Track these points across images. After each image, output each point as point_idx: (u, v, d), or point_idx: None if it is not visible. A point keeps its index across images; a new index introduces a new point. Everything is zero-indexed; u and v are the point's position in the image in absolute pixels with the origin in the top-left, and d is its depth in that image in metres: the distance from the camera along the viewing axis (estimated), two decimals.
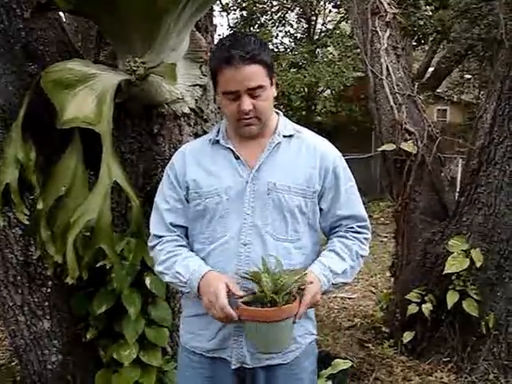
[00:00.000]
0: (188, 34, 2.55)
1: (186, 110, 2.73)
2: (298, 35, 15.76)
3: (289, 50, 15.14)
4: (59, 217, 2.32)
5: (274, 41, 15.14)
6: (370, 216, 7.11)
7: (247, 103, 1.70)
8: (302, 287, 1.65)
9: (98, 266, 2.39)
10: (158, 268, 1.84)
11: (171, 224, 1.85)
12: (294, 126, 1.90)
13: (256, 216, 1.76)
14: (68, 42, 2.81)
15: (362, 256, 1.88)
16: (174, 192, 1.85)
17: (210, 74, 1.85)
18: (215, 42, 2.71)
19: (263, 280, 1.59)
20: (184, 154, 1.88)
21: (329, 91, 14.52)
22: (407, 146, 4.11)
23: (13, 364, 3.21)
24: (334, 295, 5.92)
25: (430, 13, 11.21)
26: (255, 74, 1.69)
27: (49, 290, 2.72)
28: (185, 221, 1.86)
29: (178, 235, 1.86)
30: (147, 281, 2.65)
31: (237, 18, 15.30)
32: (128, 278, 2.63)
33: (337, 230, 1.89)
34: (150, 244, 1.90)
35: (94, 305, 2.67)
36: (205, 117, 2.81)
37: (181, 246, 1.84)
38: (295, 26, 15.77)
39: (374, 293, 5.66)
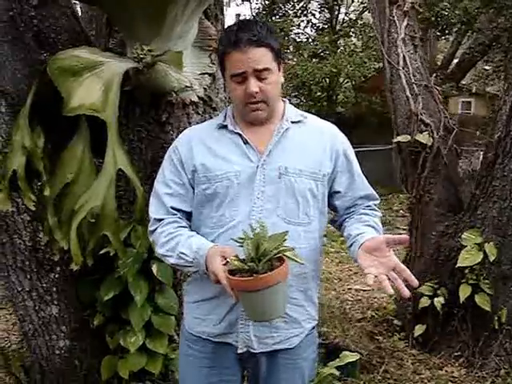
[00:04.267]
0: (196, 22, 2.54)
1: (195, 99, 2.72)
2: (320, 25, 15.65)
3: (310, 40, 15.04)
4: (66, 203, 2.34)
5: (296, 30, 15.06)
6: (389, 208, 7.08)
7: (254, 85, 1.70)
8: (283, 253, 1.58)
9: (101, 252, 2.40)
10: (159, 251, 1.82)
11: (172, 208, 1.83)
12: (300, 112, 1.91)
13: (266, 200, 1.76)
14: (80, 30, 2.81)
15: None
16: (176, 176, 1.84)
17: (218, 60, 1.85)
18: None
19: (245, 248, 1.56)
20: (189, 138, 1.87)
21: (349, 82, 14.41)
22: (422, 138, 4.05)
23: (23, 349, 3.25)
24: (348, 287, 5.90)
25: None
26: (262, 56, 1.71)
27: (57, 276, 2.75)
28: (186, 206, 1.84)
29: (178, 217, 1.84)
30: (154, 268, 2.66)
31: (258, 7, 15.23)
32: (135, 265, 2.64)
33: (353, 209, 1.91)
34: (150, 228, 1.88)
35: (101, 291, 2.69)
36: (213, 105, 2.80)
37: (181, 226, 1.82)
38: (317, 15, 15.66)
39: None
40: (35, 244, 2.66)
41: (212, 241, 1.77)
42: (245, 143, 1.80)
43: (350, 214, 1.91)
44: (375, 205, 1.94)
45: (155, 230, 1.84)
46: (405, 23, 4.43)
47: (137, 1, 2.27)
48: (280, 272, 1.54)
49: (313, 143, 1.84)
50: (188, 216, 1.87)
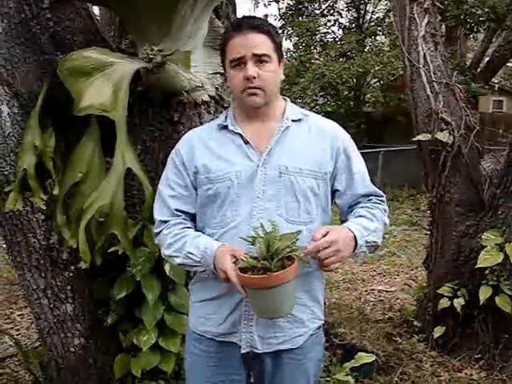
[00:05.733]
0: (206, 22, 2.55)
1: (206, 98, 2.73)
2: (347, 24, 15.55)
3: (337, 40, 14.95)
4: (75, 202, 2.37)
5: (323, 30, 14.99)
6: (417, 208, 6.99)
7: (252, 69, 1.72)
8: (293, 253, 1.60)
9: (109, 251, 2.42)
10: (166, 252, 1.83)
11: (176, 210, 1.85)
12: (302, 111, 1.91)
13: (267, 199, 1.76)
14: (96, 32, 2.85)
15: (385, 224, 1.87)
16: (179, 178, 1.85)
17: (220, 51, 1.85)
18: None
19: (257, 246, 1.59)
20: (190, 140, 1.88)
21: (377, 81, 14.28)
22: (443, 136, 3.98)
23: (40, 347, 3.30)
24: (371, 287, 5.85)
25: None
26: (262, 42, 1.74)
27: (71, 274, 2.78)
28: (190, 207, 1.85)
29: (183, 218, 1.86)
30: (167, 267, 2.67)
31: (285, 7, 15.20)
32: (147, 264, 2.66)
33: (354, 207, 1.89)
34: (155, 230, 1.90)
35: (114, 290, 2.72)
36: (225, 105, 2.80)
37: (187, 227, 1.84)
38: (344, 14, 15.56)
39: (411, 286, 5.54)
40: (49, 243, 2.70)
41: (215, 240, 1.78)
42: (245, 143, 1.80)
43: (352, 211, 1.89)
44: (378, 199, 1.91)
45: (160, 231, 1.86)
46: (425, 20, 4.35)
47: (145, 1, 2.29)
48: (292, 270, 1.58)
49: (314, 142, 1.83)
50: (193, 217, 1.88)
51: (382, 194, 1.94)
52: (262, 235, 1.60)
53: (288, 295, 1.63)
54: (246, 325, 1.79)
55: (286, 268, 1.57)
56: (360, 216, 1.82)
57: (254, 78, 1.72)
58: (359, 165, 1.89)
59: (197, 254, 1.73)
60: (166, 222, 1.85)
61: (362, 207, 1.87)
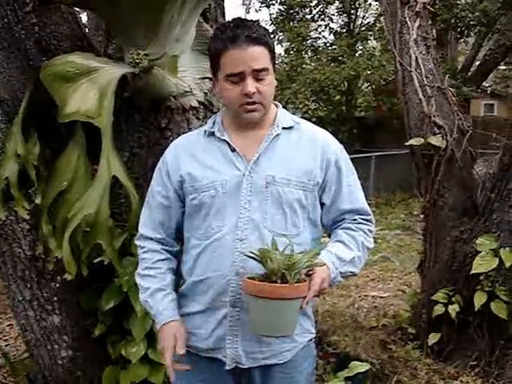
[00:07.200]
0: (194, 25, 2.50)
1: (195, 104, 2.67)
2: (338, 29, 15.56)
3: (328, 45, 14.97)
4: (60, 212, 2.30)
5: (314, 35, 15.00)
6: (410, 213, 6.97)
7: (251, 85, 1.63)
8: (311, 272, 1.59)
9: (95, 261, 2.36)
10: (138, 272, 1.88)
11: (159, 222, 1.82)
12: (294, 118, 1.83)
13: (253, 210, 1.69)
14: (82, 37, 2.79)
15: (367, 248, 1.81)
16: (162, 188, 1.81)
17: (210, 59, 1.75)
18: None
19: (273, 256, 1.53)
20: (176, 148, 1.83)
21: (369, 85, 14.30)
22: (435, 140, 3.94)
23: (28, 359, 3.23)
24: (365, 293, 5.80)
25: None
26: (261, 55, 1.65)
27: (57, 285, 2.72)
28: (170, 219, 1.81)
29: (163, 240, 1.83)
30: None
31: (276, 12, 15.21)
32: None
33: (339, 223, 1.82)
34: (136, 241, 1.89)
35: (102, 301, 2.66)
36: (214, 110, 2.74)
37: (161, 260, 1.82)
38: (335, 19, 15.59)
39: (404, 292, 5.50)
40: (35, 253, 2.63)
41: (199, 253, 1.74)
42: (232, 151, 1.73)
43: (336, 228, 1.83)
44: (363, 219, 1.82)
45: (140, 247, 1.87)
46: (417, 24, 4.33)
47: (131, 5, 2.24)
48: (307, 286, 1.56)
49: (303, 151, 1.75)
50: (175, 229, 1.84)
51: (369, 212, 1.85)
52: (272, 249, 1.57)
53: (296, 313, 1.57)
54: (231, 340, 1.73)
55: (302, 282, 1.53)
56: (339, 241, 1.77)
57: (254, 93, 1.65)
58: (349, 178, 1.81)
59: (152, 308, 1.79)
60: (145, 237, 1.84)
61: (343, 228, 1.80)
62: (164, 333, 1.76)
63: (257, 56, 1.63)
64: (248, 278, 1.56)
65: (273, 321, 1.54)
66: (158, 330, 1.79)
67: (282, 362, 1.77)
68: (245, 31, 1.62)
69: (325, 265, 1.64)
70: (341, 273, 1.71)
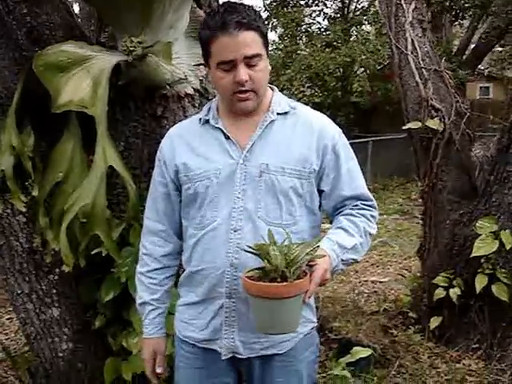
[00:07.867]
0: (187, 11, 2.46)
1: (190, 91, 2.63)
2: (332, 14, 15.46)
3: (323, 30, 14.87)
4: (57, 203, 2.28)
5: (307, 20, 14.90)
6: (408, 197, 6.98)
7: (243, 73, 1.58)
8: (312, 263, 1.52)
9: (93, 252, 2.33)
10: (137, 268, 1.94)
11: (163, 213, 1.80)
12: (290, 103, 1.77)
13: (247, 200, 1.65)
14: (75, 26, 2.74)
15: (370, 234, 1.76)
16: (162, 178, 1.79)
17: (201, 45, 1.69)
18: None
19: (271, 253, 1.46)
20: (171, 137, 1.79)
21: (364, 71, 14.24)
22: (433, 124, 3.91)
23: (29, 352, 3.21)
24: (365, 279, 5.80)
25: None
26: (252, 41, 1.58)
27: (56, 278, 2.70)
28: (173, 209, 1.80)
29: (165, 234, 1.83)
30: None
31: None
32: (134, 264, 2.57)
33: (340, 210, 1.78)
34: (141, 235, 1.89)
35: (101, 292, 2.63)
36: (210, 97, 2.70)
37: (158, 269, 1.86)
38: (329, 4, 15.47)
39: (404, 277, 5.49)
40: (32, 246, 2.61)
41: (194, 243, 1.72)
42: (226, 138, 1.69)
43: (338, 214, 1.78)
44: (365, 205, 1.77)
45: (141, 243, 1.89)
46: (412, 6, 4.28)
47: None
48: (308, 280, 1.49)
49: (299, 137, 1.70)
50: (177, 224, 1.82)
51: (371, 198, 1.80)
52: (269, 243, 1.50)
53: (299, 309, 1.52)
54: (228, 330, 1.71)
55: (301, 277, 1.47)
56: (340, 228, 1.71)
57: (246, 81, 1.60)
58: (349, 164, 1.76)
59: (141, 316, 1.91)
60: (149, 232, 1.85)
61: (345, 214, 1.75)
62: (145, 346, 1.88)
63: (248, 42, 1.57)
64: (246, 274, 1.51)
65: (275, 319, 1.50)
66: (143, 340, 1.90)
67: (281, 352, 1.75)
68: (235, 16, 1.56)
69: (325, 256, 1.59)
70: (342, 260, 1.66)
